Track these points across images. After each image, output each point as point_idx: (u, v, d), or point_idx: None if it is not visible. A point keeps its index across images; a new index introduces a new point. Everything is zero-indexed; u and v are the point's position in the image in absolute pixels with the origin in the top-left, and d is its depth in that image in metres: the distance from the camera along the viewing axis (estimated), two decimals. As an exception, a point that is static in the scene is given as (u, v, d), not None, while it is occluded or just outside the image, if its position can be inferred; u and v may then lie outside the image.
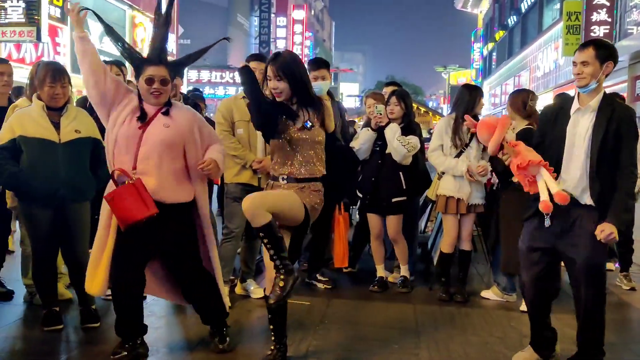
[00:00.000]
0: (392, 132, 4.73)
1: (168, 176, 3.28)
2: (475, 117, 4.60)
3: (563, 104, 3.34)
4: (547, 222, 3.19)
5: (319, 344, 3.70)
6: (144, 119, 3.26)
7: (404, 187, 4.87)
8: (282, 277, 3.03)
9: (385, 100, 4.99)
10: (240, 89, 4.76)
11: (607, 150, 3.07)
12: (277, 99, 3.18)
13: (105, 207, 3.30)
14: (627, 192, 3.08)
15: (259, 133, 4.47)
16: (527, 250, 3.33)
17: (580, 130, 3.15)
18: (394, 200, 4.84)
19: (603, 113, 3.11)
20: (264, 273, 5.30)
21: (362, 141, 4.86)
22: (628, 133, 3.09)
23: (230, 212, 4.51)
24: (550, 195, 3.00)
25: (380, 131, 4.81)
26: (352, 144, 4.92)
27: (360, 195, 4.99)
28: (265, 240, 3.03)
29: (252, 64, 4.50)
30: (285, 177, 3.21)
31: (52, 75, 3.69)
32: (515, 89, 5.76)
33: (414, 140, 4.71)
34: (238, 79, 4.66)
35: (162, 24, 3.35)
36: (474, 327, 4.12)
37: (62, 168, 3.67)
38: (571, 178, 3.14)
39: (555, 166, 3.17)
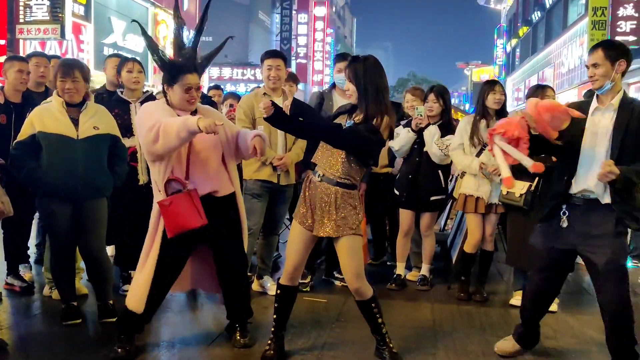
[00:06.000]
0: (431, 136, 4.73)
1: (217, 173, 3.39)
2: (486, 110, 4.58)
3: (582, 104, 3.31)
4: (565, 223, 3.16)
5: (334, 341, 3.69)
6: None
7: (443, 186, 4.89)
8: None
9: (423, 98, 4.94)
10: (262, 84, 4.74)
11: (628, 148, 3.01)
12: (350, 100, 3.26)
13: (154, 215, 3.34)
14: None
15: (279, 130, 4.46)
16: (547, 251, 3.28)
17: (601, 130, 3.10)
18: (432, 198, 4.85)
19: (624, 111, 3.06)
20: (282, 270, 5.32)
21: (402, 142, 4.83)
22: None
23: (249, 208, 4.46)
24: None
25: (420, 132, 4.79)
26: (391, 144, 4.84)
27: (397, 192, 4.97)
28: (376, 310, 3.30)
29: (268, 62, 4.48)
30: (321, 175, 3.19)
31: (62, 70, 3.74)
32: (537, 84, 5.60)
33: (452, 141, 4.69)
34: (259, 75, 4.68)
35: (196, 32, 3.34)
36: (493, 327, 4.06)
37: (80, 164, 3.69)
38: (593, 177, 3.07)
39: (568, 165, 3.15)
